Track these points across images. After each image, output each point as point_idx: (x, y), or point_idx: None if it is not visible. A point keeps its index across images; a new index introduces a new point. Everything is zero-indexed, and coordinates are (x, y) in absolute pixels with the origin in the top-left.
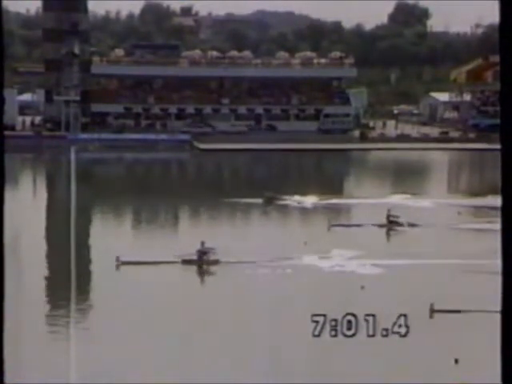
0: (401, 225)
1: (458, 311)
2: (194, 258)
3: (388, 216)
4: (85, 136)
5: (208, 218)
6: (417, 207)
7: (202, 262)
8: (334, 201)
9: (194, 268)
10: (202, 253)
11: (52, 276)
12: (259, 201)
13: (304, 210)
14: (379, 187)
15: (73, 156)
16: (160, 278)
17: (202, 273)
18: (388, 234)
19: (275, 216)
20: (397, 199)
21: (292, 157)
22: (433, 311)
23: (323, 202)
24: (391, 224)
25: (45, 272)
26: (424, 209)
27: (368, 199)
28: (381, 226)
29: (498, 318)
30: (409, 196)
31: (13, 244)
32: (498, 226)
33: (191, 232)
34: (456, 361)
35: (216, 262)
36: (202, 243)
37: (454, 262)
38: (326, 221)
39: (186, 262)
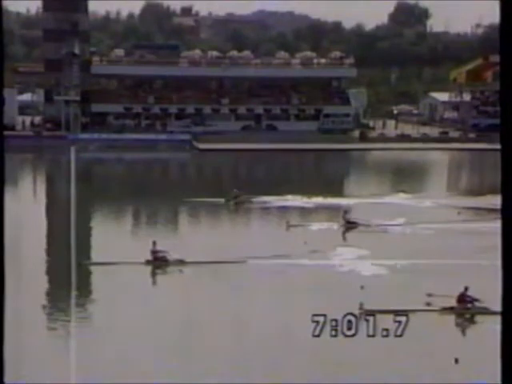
0: (358, 225)
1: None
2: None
3: (344, 217)
4: (85, 136)
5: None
6: (415, 207)
7: (167, 262)
8: (330, 201)
9: (164, 268)
10: (155, 253)
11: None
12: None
13: (289, 211)
14: (378, 187)
15: (73, 156)
16: (116, 278)
17: (155, 273)
18: (344, 234)
19: (249, 217)
20: (396, 199)
21: (292, 157)
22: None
23: (317, 203)
24: (349, 224)
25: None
26: (422, 208)
27: (366, 199)
28: (340, 226)
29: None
30: (409, 196)
31: (12, 243)
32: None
33: (183, 232)
34: (456, 361)
35: (182, 263)
36: (154, 243)
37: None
38: (301, 221)
39: (149, 262)
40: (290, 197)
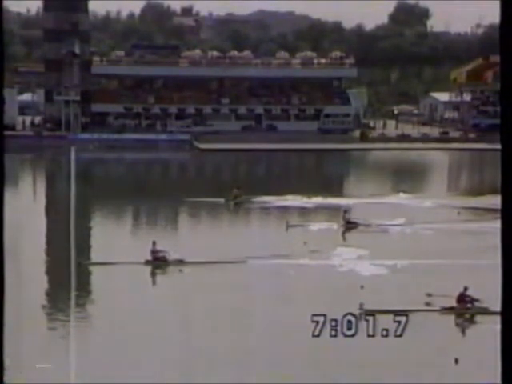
0: (357, 225)
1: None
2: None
3: (344, 217)
4: (85, 136)
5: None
6: (415, 207)
7: (167, 262)
8: (330, 201)
9: (163, 268)
10: (155, 253)
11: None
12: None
13: (289, 211)
14: (378, 187)
15: (73, 156)
16: (116, 278)
17: (155, 273)
18: (344, 234)
19: (249, 217)
20: (396, 199)
21: (292, 157)
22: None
23: (317, 203)
24: (348, 224)
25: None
26: (422, 208)
27: (366, 199)
28: (340, 226)
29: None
30: (409, 196)
31: (12, 243)
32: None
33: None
34: (456, 361)
35: (181, 262)
36: (154, 243)
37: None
38: (298, 221)
39: (149, 262)
40: (289, 197)
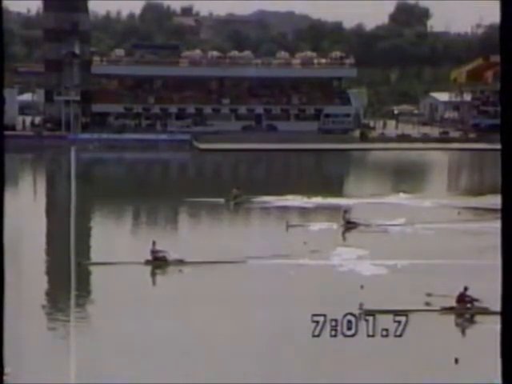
0: (357, 225)
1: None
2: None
3: (344, 216)
4: (85, 136)
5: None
6: (415, 207)
7: (167, 262)
8: (330, 201)
9: (163, 268)
10: (155, 253)
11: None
12: (255, 201)
13: (289, 211)
14: (378, 187)
15: (73, 156)
16: (116, 278)
17: (154, 273)
18: (344, 234)
19: (249, 217)
20: (396, 199)
21: (292, 157)
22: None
23: (317, 203)
24: (348, 224)
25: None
26: (422, 208)
27: (366, 199)
28: (340, 226)
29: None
30: (409, 196)
31: (12, 243)
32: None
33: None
34: (456, 361)
35: (181, 262)
36: (154, 243)
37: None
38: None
39: (149, 262)
40: (289, 197)
